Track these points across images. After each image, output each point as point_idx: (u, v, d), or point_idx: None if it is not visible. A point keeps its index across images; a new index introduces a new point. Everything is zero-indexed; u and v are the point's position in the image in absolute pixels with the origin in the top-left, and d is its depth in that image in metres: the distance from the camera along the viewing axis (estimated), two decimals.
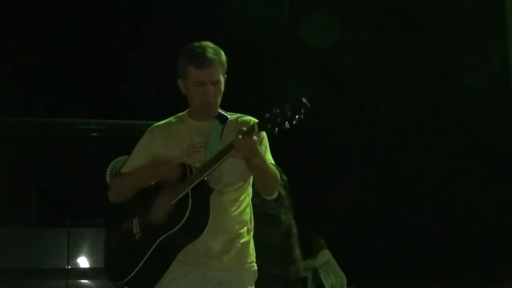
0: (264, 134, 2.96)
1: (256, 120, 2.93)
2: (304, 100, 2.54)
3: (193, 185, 2.73)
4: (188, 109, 3.03)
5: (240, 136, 2.63)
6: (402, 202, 16.68)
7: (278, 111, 2.55)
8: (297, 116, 2.53)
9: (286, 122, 2.54)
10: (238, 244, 2.90)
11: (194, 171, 2.79)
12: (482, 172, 16.09)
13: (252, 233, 3.01)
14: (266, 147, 2.95)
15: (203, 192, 2.77)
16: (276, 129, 2.57)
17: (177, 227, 2.72)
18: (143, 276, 2.84)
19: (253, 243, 3.00)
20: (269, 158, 2.94)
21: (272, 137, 2.76)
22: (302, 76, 15.89)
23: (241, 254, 2.92)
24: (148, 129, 3.06)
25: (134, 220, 2.93)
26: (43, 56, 14.50)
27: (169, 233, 2.75)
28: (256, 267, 2.99)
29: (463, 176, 16.05)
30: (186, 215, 2.70)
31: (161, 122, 3.07)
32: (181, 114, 3.06)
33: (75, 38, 15.03)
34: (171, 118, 3.06)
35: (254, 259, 2.99)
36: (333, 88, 17.13)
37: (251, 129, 2.64)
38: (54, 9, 14.85)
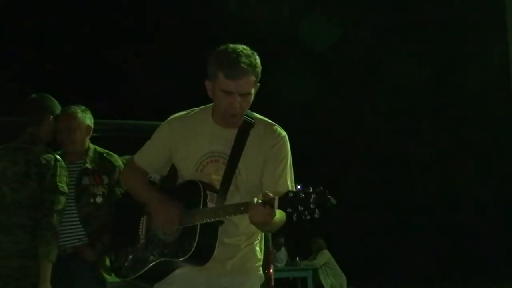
0: (284, 145, 2.84)
1: (283, 133, 2.85)
2: (329, 196, 2.42)
3: (204, 222, 2.68)
4: (211, 105, 2.86)
5: (258, 204, 2.50)
6: (402, 202, 16.68)
7: (302, 196, 2.42)
8: (318, 211, 2.41)
9: (307, 213, 2.41)
10: (243, 248, 2.85)
11: (208, 195, 2.72)
12: (482, 172, 16.08)
13: (260, 237, 2.95)
14: (286, 165, 2.81)
15: (212, 226, 2.70)
16: (295, 215, 2.44)
17: (182, 258, 2.69)
18: (145, 278, 2.86)
19: (260, 247, 2.94)
20: (289, 181, 2.79)
21: (289, 220, 2.64)
22: (302, 76, 15.89)
23: (246, 258, 2.87)
24: (167, 120, 2.92)
25: (141, 219, 2.90)
26: (43, 55, 14.49)
27: (172, 259, 2.74)
28: (261, 271, 2.93)
29: (463, 176, 16.05)
30: (192, 250, 2.66)
31: (180, 114, 2.92)
32: (202, 109, 2.90)
33: (75, 37, 15.02)
34: (191, 112, 2.90)
35: (260, 263, 2.92)
36: (333, 88, 17.14)
37: (269, 203, 2.50)
38: (54, 7, 14.84)
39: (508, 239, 14.43)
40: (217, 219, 2.66)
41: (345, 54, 16.81)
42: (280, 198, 2.47)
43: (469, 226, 15.96)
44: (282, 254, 12.27)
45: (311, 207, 2.40)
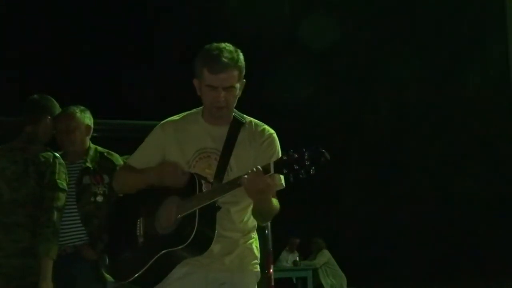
0: (274, 141, 2.91)
1: (272, 131, 2.93)
2: (323, 150, 2.46)
3: (201, 206, 2.70)
4: (202, 107, 2.96)
5: (252, 174, 2.56)
6: (402, 202, 16.68)
7: (296, 156, 2.48)
8: (314, 167, 2.45)
9: (303, 171, 2.46)
10: (240, 246, 2.89)
11: (203, 183, 2.76)
12: (482, 172, 16.08)
13: (255, 236, 2.98)
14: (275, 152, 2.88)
15: (210, 211, 2.73)
16: (291, 175, 2.49)
17: (182, 246, 2.71)
18: (144, 278, 2.86)
19: (257, 246, 2.97)
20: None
21: (287, 182, 2.72)
22: (302, 76, 15.90)
23: (243, 256, 2.90)
24: (160, 123, 3.00)
25: (138, 221, 2.93)
26: (43, 55, 14.50)
27: (172, 249, 2.75)
28: (258, 269, 2.96)
29: (463, 177, 16.05)
30: (192, 236, 2.68)
31: (172, 118, 3.00)
32: (194, 112, 2.99)
33: (75, 37, 15.03)
34: (183, 115, 2.99)
35: (258, 261, 2.95)
36: (333, 88, 17.14)
37: (265, 170, 2.57)
38: (54, 8, 14.85)
39: (508, 239, 14.43)
40: (215, 198, 2.70)
41: (345, 54, 16.82)
42: (275, 163, 2.55)
43: (469, 226, 15.96)
44: (294, 257, 12.26)
45: (306, 164, 2.45)
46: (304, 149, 2.48)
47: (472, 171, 16.08)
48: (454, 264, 15.54)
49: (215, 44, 2.84)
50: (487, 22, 15.03)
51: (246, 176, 2.59)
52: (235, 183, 2.65)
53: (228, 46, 2.83)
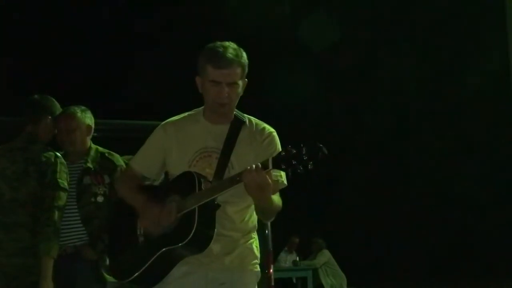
0: (274, 139, 2.93)
1: (272, 130, 2.95)
2: (321, 145, 2.48)
3: (201, 203, 2.72)
4: (203, 107, 2.97)
5: (251, 170, 2.58)
6: (402, 202, 16.69)
7: (294, 151, 2.50)
8: (312, 162, 2.48)
9: (301, 166, 2.48)
10: (240, 246, 2.89)
11: (203, 182, 2.77)
12: (482, 172, 16.09)
13: (255, 236, 2.99)
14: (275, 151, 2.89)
15: (209, 209, 2.75)
16: (290, 170, 2.51)
17: (181, 243, 2.72)
18: (144, 277, 2.87)
19: (257, 246, 2.98)
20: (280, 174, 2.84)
21: (286, 177, 2.74)
22: (302, 76, 15.89)
23: (244, 255, 2.91)
24: (161, 124, 3.02)
25: (138, 220, 2.94)
26: (43, 55, 14.50)
27: (172, 247, 2.76)
28: (258, 269, 2.97)
29: (463, 177, 16.05)
30: (191, 233, 2.69)
31: (174, 119, 3.01)
32: (195, 112, 3.00)
33: (76, 37, 15.03)
34: (184, 115, 3.00)
35: (258, 260, 2.96)
36: (333, 88, 17.14)
37: (264, 166, 2.59)
38: (55, 8, 14.86)
39: (508, 239, 14.44)
40: (214, 195, 2.72)
41: (345, 54, 16.81)
42: (273, 158, 2.57)
43: (469, 226, 15.97)
44: (293, 258, 12.28)
45: (304, 159, 2.48)
46: (302, 145, 2.50)
47: (471, 172, 16.08)
48: (454, 263, 15.55)
49: (219, 42, 2.87)
50: (487, 22, 15.01)
51: (244, 171, 2.61)
52: (235, 180, 2.66)
53: (232, 44, 2.86)
